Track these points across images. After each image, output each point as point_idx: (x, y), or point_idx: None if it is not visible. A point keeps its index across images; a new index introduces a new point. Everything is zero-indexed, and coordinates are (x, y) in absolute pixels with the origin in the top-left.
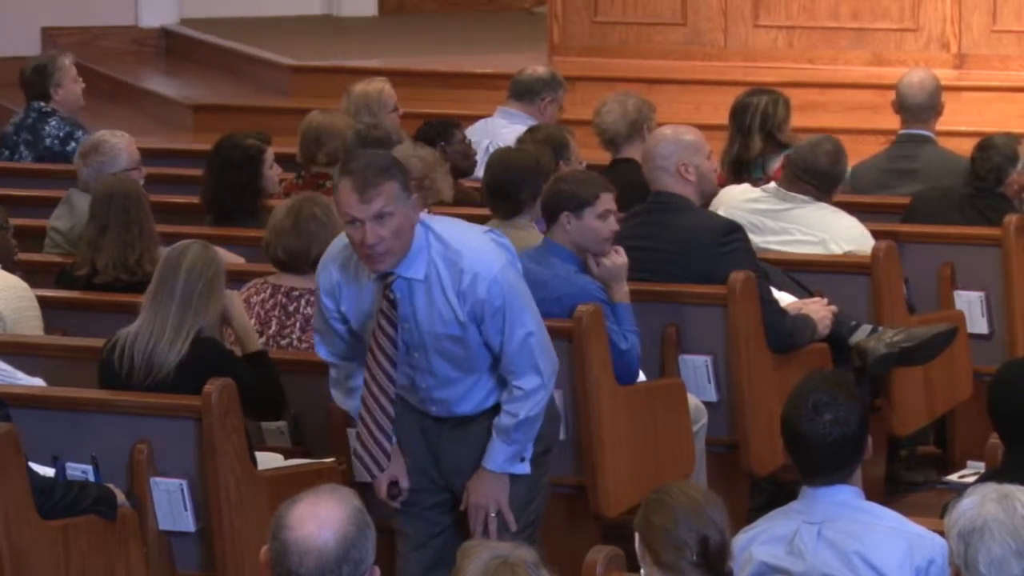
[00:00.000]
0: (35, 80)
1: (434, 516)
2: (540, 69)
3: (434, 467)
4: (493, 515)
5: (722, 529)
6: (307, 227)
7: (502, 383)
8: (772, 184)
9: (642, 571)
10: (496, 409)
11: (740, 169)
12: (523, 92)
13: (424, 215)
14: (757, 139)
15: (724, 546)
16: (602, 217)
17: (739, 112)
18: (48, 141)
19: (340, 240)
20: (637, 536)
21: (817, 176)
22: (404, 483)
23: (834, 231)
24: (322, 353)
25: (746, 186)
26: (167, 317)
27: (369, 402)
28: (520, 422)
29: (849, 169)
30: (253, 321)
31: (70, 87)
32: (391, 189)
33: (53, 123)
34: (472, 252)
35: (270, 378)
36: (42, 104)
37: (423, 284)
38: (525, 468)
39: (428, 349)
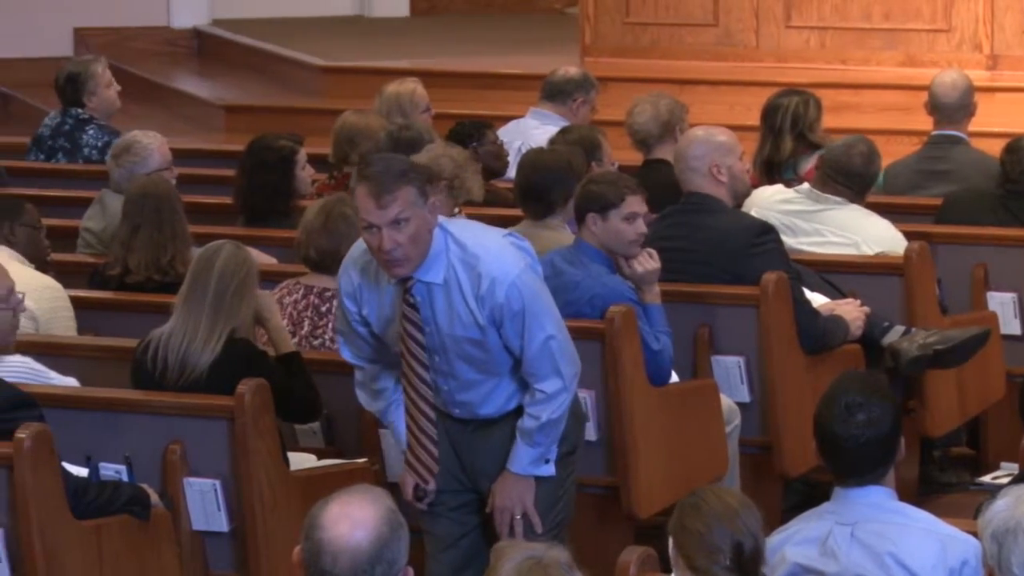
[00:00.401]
0: (68, 88)
1: (461, 516)
2: (572, 70)
3: (459, 468)
4: (519, 517)
5: (756, 535)
6: (337, 227)
7: (524, 385)
8: (805, 185)
9: (674, 574)
10: (520, 411)
11: (771, 170)
12: (555, 93)
13: (442, 218)
14: (788, 140)
15: (758, 552)
16: (628, 219)
17: (770, 113)
18: (87, 151)
19: (360, 244)
20: (671, 540)
21: (850, 177)
22: (431, 485)
23: (866, 233)
24: (346, 355)
25: (779, 187)
26: (200, 318)
27: (412, 410)
28: (542, 425)
29: (882, 175)
30: (286, 322)
31: (104, 93)
32: (408, 195)
33: (91, 131)
34: (490, 256)
35: (304, 380)
36: (79, 111)
37: (442, 288)
38: (550, 470)
39: (449, 352)
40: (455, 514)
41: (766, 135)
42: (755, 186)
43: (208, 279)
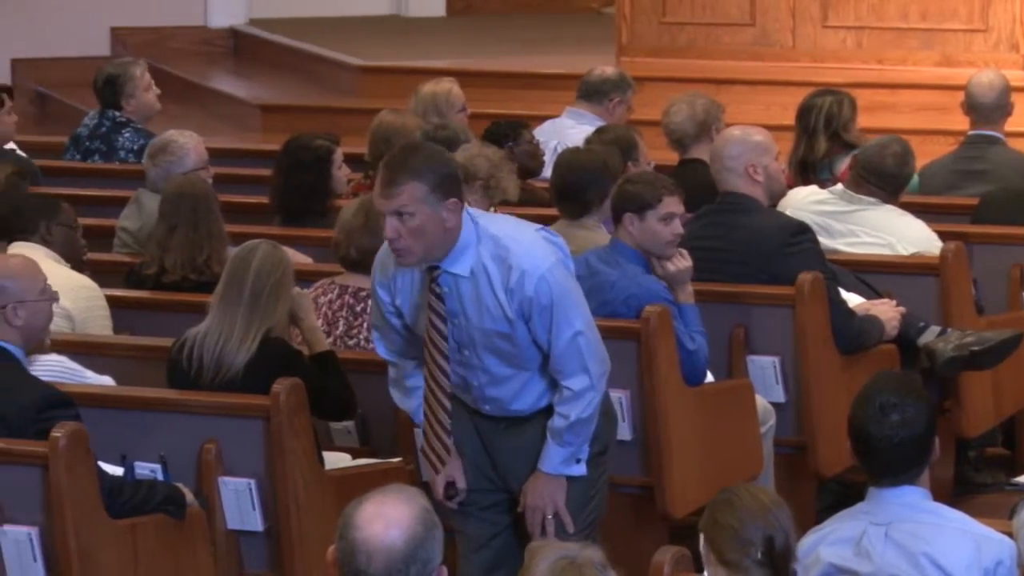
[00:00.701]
0: (106, 90)
1: (492, 516)
2: (609, 70)
3: (490, 467)
4: (550, 517)
5: (787, 531)
6: (378, 225)
7: (555, 384)
8: (839, 186)
9: (705, 572)
10: (551, 410)
11: (806, 170)
12: (592, 93)
13: (476, 211)
14: (822, 140)
15: (789, 548)
16: (664, 220)
17: (804, 113)
18: (123, 154)
19: None
20: (702, 536)
21: (884, 178)
22: (461, 484)
23: (901, 234)
24: (380, 351)
25: (812, 188)
26: (236, 317)
27: (429, 398)
28: (572, 424)
29: (915, 177)
30: (321, 321)
31: (142, 97)
32: (414, 191)
33: (127, 134)
34: (521, 249)
35: (339, 379)
36: (116, 114)
37: (469, 280)
38: (581, 469)
39: (478, 346)
40: (487, 514)
41: (800, 135)
42: (790, 187)
43: (244, 279)
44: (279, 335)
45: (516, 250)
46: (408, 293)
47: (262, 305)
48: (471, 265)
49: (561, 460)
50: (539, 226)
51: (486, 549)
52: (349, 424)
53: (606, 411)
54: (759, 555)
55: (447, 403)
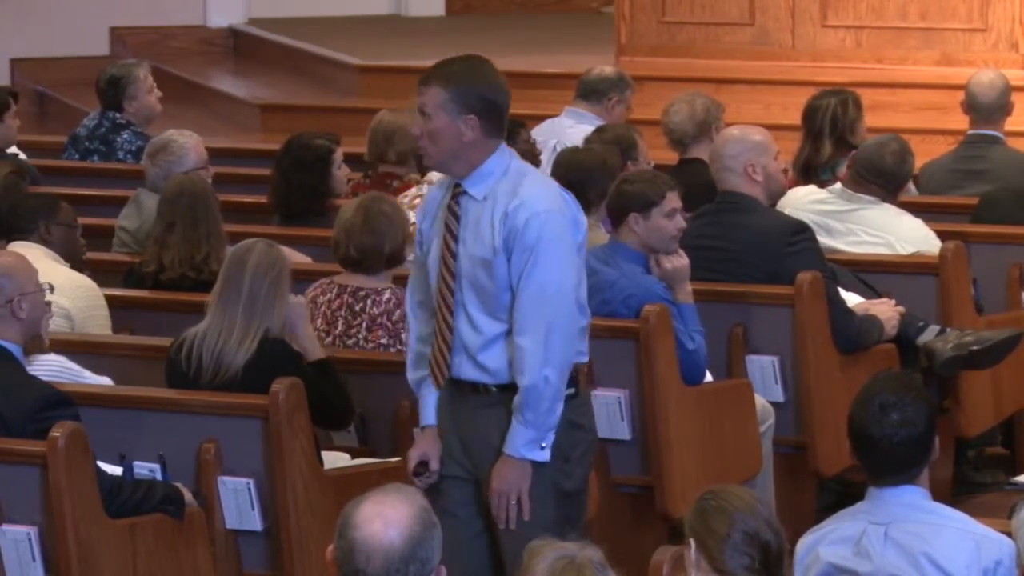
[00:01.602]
0: (108, 91)
1: (466, 515)
2: (608, 69)
3: (461, 450)
4: (514, 503)
5: (778, 532)
6: (378, 224)
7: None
8: (837, 185)
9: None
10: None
11: (809, 173)
12: (590, 92)
13: (516, 155)
14: (828, 143)
15: (782, 551)
16: (669, 216)
17: (809, 116)
18: (121, 154)
19: None
20: (691, 542)
21: (883, 176)
22: (434, 465)
23: (900, 233)
24: (408, 302)
25: (811, 187)
26: (235, 318)
27: (438, 315)
28: (527, 392)
29: (912, 186)
30: (320, 321)
31: (144, 99)
32: (437, 95)
33: (126, 135)
34: (534, 186)
35: (337, 386)
36: (116, 115)
37: (480, 204)
38: (544, 456)
39: (464, 279)
40: (462, 511)
41: (805, 138)
42: (792, 187)
43: (241, 279)
44: (278, 335)
45: (529, 185)
46: (434, 216)
47: (260, 305)
48: (487, 190)
49: (523, 442)
50: (567, 190)
51: (459, 557)
52: (354, 412)
53: (574, 421)
54: (756, 564)
55: (451, 320)
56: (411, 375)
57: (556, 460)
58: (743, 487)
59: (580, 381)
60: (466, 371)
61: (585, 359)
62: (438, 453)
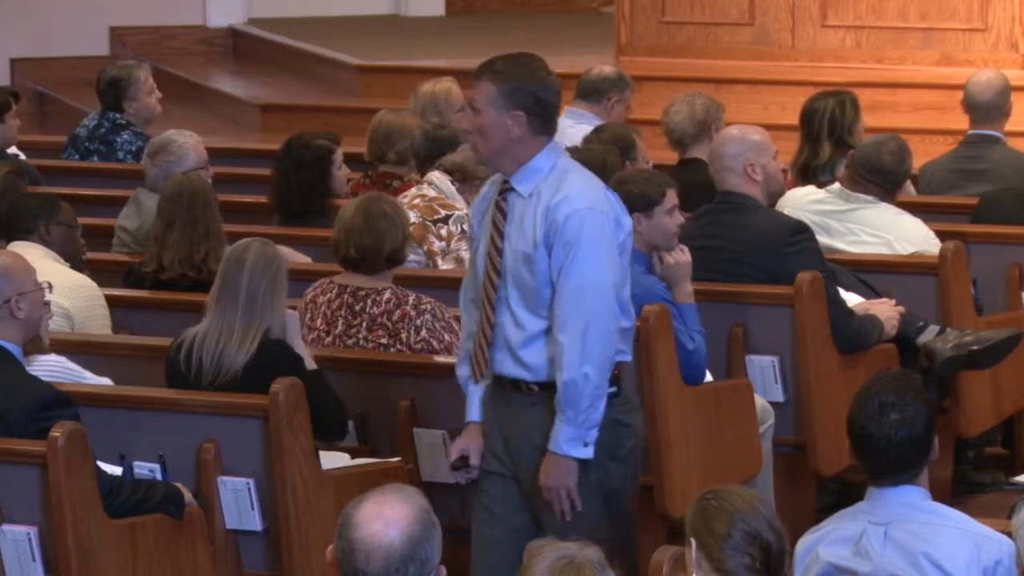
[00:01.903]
0: (109, 92)
1: (502, 512)
2: (607, 69)
3: (503, 447)
4: (565, 498)
5: (780, 532)
6: (378, 224)
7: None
8: (836, 185)
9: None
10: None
11: (808, 174)
12: (590, 92)
13: (565, 152)
14: (826, 145)
15: (783, 551)
16: (670, 213)
17: (807, 118)
18: (121, 154)
19: None
20: (692, 541)
21: (881, 175)
22: (474, 460)
23: (899, 232)
24: (461, 300)
25: (810, 188)
26: (234, 319)
27: (481, 312)
28: (567, 389)
29: (910, 186)
30: (320, 321)
31: (144, 100)
32: (487, 90)
33: (126, 136)
34: (579, 183)
35: (332, 396)
36: (116, 115)
37: (525, 202)
38: (587, 453)
39: (509, 275)
40: (498, 508)
41: (804, 140)
42: (791, 188)
43: (239, 279)
44: (278, 335)
45: (573, 182)
46: (483, 213)
47: (259, 305)
48: (533, 187)
49: (566, 440)
50: (611, 190)
51: (495, 550)
52: (348, 423)
53: (619, 420)
54: (757, 564)
55: (492, 317)
56: (460, 371)
57: (601, 458)
58: (745, 487)
59: (622, 380)
60: (508, 368)
61: (627, 358)
62: (479, 449)
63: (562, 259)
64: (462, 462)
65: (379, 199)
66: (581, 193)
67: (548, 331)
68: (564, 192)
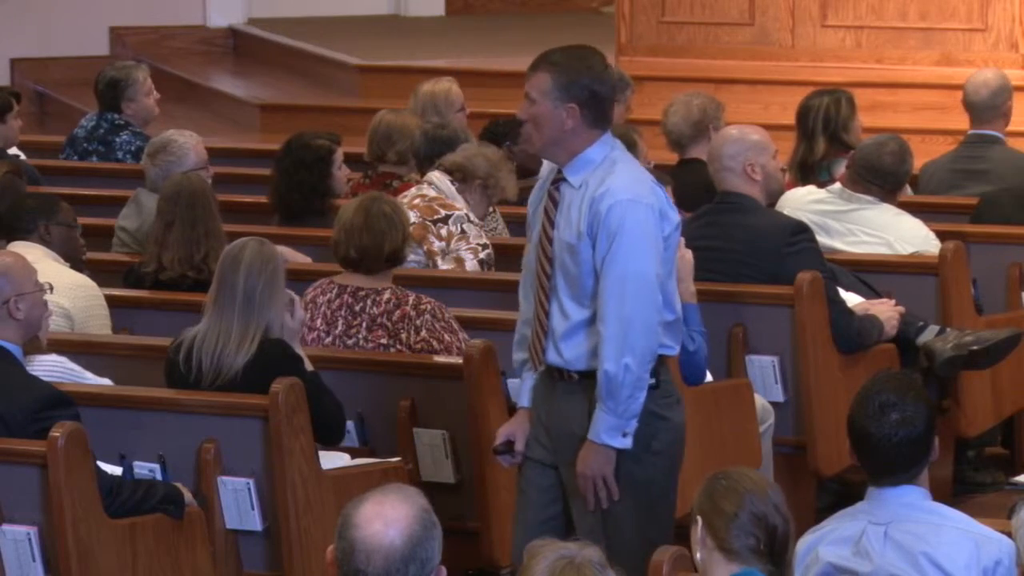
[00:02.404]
0: (107, 93)
1: (540, 500)
2: None
3: (546, 434)
4: (602, 487)
5: (786, 517)
6: (378, 224)
7: None
8: (836, 185)
9: (698, 555)
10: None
11: (806, 172)
12: None
13: (620, 147)
14: (821, 141)
15: (788, 536)
16: None
17: (802, 115)
18: (120, 155)
19: None
20: (699, 519)
21: (881, 176)
22: (519, 446)
23: (899, 232)
24: (521, 284)
25: (810, 188)
26: (232, 320)
27: (535, 300)
28: (607, 379)
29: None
30: (320, 321)
31: (143, 101)
32: (542, 82)
33: (125, 136)
34: (624, 174)
35: (332, 399)
36: (115, 116)
37: (574, 192)
38: (626, 443)
39: (556, 262)
40: (537, 496)
41: (800, 138)
42: (791, 188)
43: (235, 280)
44: (277, 334)
45: (619, 173)
46: (538, 202)
47: (256, 304)
48: (581, 179)
49: (604, 429)
50: (658, 182)
51: (529, 536)
52: (349, 424)
53: (656, 412)
54: (762, 545)
55: (547, 305)
56: (515, 356)
57: (637, 449)
58: (756, 471)
59: (664, 373)
60: (552, 356)
61: (672, 352)
62: (525, 435)
63: (605, 250)
64: (506, 447)
65: (379, 199)
66: (625, 185)
67: (591, 321)
68: (608, 184)
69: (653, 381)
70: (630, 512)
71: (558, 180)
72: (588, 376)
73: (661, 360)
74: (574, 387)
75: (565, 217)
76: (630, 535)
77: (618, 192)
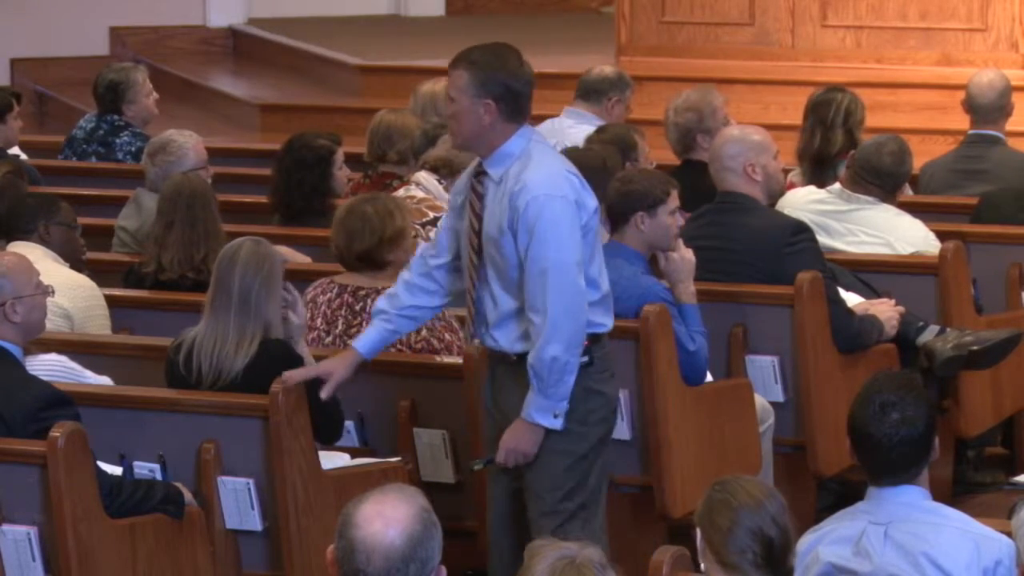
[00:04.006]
0: (107, 95)
1: (500, 478)
2: (607, 69)
3: (501, 416)
4: (522, 460)
5: (785, 527)
6: (351, 224)
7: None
8: (836, 185)
9: (703, 566)
10: None
11: (823, 167)
12: (590, 92)
13: (540, 138)
14: (840, 133)
15: (787, 545)
16: (673, 213)
17: (821, 106)
18: (120, 155)
19: None
20: (699, 532)
21: (881, 176)
22: (326, 392)
23: (899, 233)
24: (419, 250)
25: (810, 188)
26: (229, 321)
27: (467, 288)
28: (535, 365)
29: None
30: (320, 320)
31: (143, 102)
32: (461, 79)
33: (125, 137)
34: (539, 169)
35: (333, 399)
36: (115, 117)
37: (496, 185)
38: (556, 424)
39: (485, 255)
40: (498, 476)
41: (815, 128)
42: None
43: (231, 280)
44: (277, 335)
45: (534, 168)
46: (461, 192)
47: (252, 305)
48: (503, 172)
49: (536, 409)
50: (575, 170)
51: (495, 506)
52: (349, 423)
53: (591, 388)
54: (758, 559)
55: (476, 293)
56: (379, 303)
57: (572, 424)
58: (757, 479)
59: (598, 349)
60: (488, 341)
61: (605, 329)
62: (338, 377)
63: (526, 244)
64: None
65: (370, 200)
66: (540, 179)
67: (522, 309)
68: (524, 179)
69: (587, 359)
70: (567, 483)
71: (480, 173)
72: (525, 357)
73: (595, 338)
74: (516, 367)
75: (490, 211)
76: (563, 502)
77: (534, 187)
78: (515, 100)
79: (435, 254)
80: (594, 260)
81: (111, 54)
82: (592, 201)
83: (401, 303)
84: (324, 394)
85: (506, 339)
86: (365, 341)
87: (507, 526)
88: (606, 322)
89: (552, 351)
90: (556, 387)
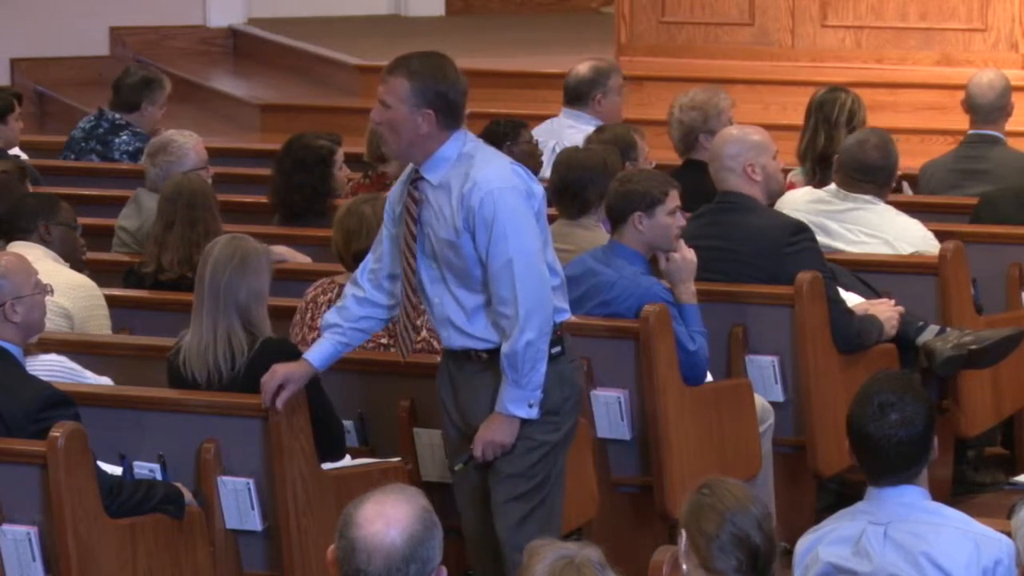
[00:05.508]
0: (134, 88)
1: (464, 483)
2: (581, 69)
3: (455, 408)
4: (500, 452)
5: (769, 534)
6: (349, 223)
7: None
8: (833, 185)
9: (684, 567)
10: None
11: (825, 166)
12: (575, 97)
13: (474, 139)
14: (843, 133)
15: (772, 551)
16: (671, 213)
17: (824, 105)
18: (118, 155)
19: None
20: (683, 534)
21: (872, 172)
22: (284, 395)
23: (898, 232)
24: (363, 263)
25: (808, 188)
26: (208, 320)
27: (404, 293)
28: (508, 356)
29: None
30: (320, 321)
31: (156, 113)
32: (399, 87)
33: (124, 137)
34: (483, 165)
35: (328, 405)
36: (117, 116)
37: (437, 190)
38: (532, 413)
39: (439, 259)
40: (460, 482)
41: (819, 126)
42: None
43: (204, 277)
44: (268, 332)
45: (479, 165)
46: (396, 200)
47: (221, 299)
48: (442, 176)
49: (510, 400)
50: (517, 163)
51: (466, 514)
52: (349, 424)
53: (562, 375)
54: (744, 566)
55: (413, 297)
56: (327, 317)
57: (546, 414)
58: (740, 483)
59: (566, 339)
60: (456, 341)
61: (566, 316)
62: (296, 380)
63: (486, 240)
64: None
65: (369, 200)
66: (488, 176)
67: (487, 303)
68: (472, 178)
69: (559, 348)
70: (534, 473)
71: (416, 179)
72: (495, 352)
73: (561, 326)
74: (484, 365)
75: (436, 216)
76: (533, 491)
77: (484, 183)
78: (452, 109)
79: (380, 266)
80: (548, 246)
81: (111, 54)
82: (539, 189)
83: (352, 315)
84: (279, 404)
85: (481, 331)
86: (318, 353)
87: (486, 521)
88: (565, 307)
89: (526, 339)
90: (530, 375)
